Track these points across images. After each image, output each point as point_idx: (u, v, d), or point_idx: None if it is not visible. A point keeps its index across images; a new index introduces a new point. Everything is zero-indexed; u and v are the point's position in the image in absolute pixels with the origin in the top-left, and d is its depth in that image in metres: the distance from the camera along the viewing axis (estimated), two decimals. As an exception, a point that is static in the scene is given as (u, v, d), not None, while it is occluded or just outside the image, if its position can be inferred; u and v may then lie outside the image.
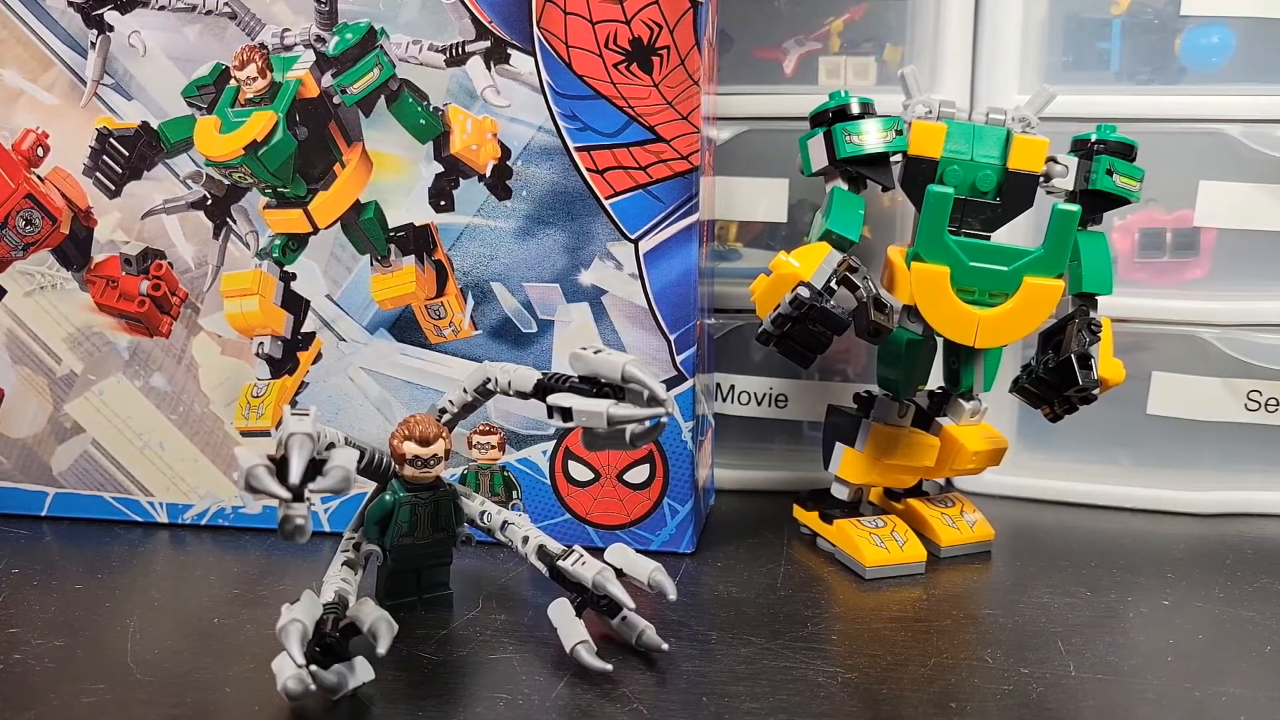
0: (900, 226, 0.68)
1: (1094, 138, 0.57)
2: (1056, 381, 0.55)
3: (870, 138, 0.56)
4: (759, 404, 0.70)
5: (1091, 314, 0.56)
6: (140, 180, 0.60)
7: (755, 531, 0.63)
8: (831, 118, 0.57)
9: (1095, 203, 0.57)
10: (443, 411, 0.52)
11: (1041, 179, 0.57)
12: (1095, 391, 0.54)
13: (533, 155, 0.57)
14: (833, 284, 0.53)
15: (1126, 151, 0.57)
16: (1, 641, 0.49)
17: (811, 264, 0.53)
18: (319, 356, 0.61)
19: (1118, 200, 0.57)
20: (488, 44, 0.57)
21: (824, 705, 0.44)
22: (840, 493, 0.60)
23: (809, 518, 0.61)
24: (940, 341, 0.59)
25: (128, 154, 0.60)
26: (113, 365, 0.62)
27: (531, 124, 0.57)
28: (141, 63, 0.59)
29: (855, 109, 0.57)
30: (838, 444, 0.60)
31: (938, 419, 0.61)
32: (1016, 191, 0.56)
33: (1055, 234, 0.54)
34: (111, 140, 0.60)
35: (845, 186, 0.57)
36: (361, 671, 0.44)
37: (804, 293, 0.52)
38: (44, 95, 0.60)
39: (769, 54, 0.70)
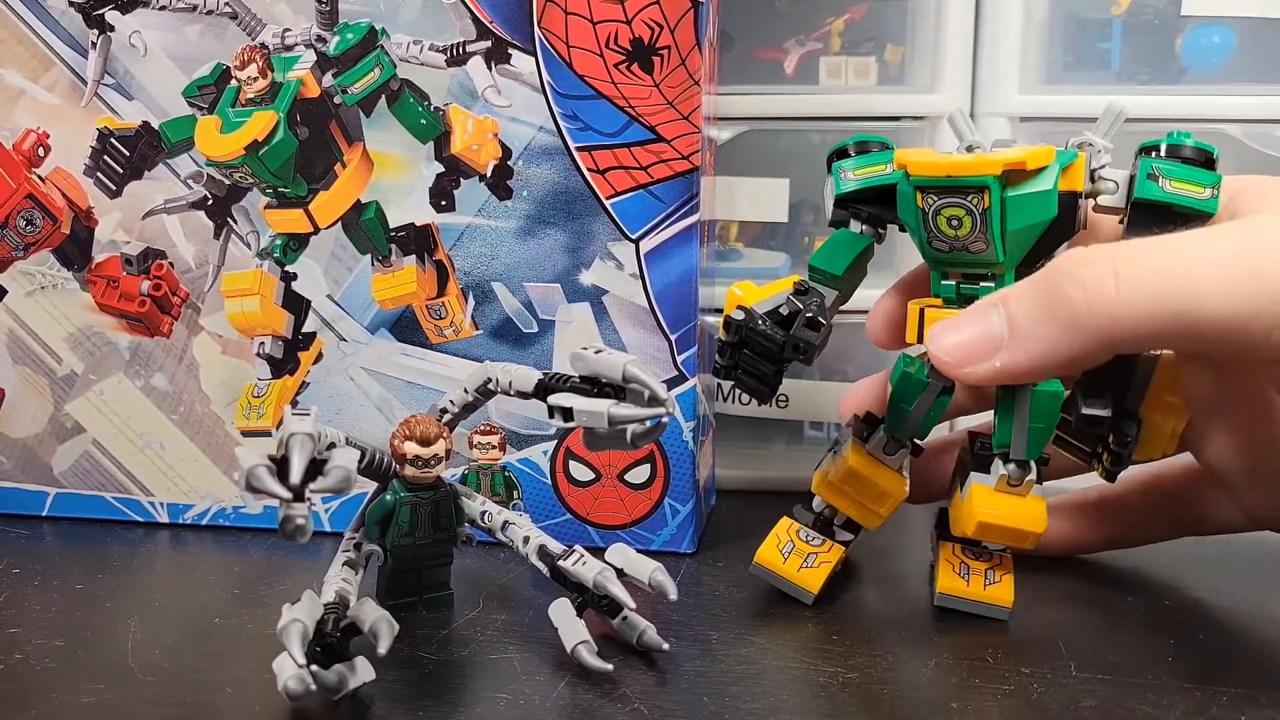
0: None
1: (1162, 145, 0.49)
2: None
3: (864, 172, 0.52)
4: (759, 404, 0.70)
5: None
6: (141, 180, 0.60)
7: (756, 531, 0.62)
8: (835, 157, 0.54)
9: (1154, 218, 0.47)
10: (443, 411, 0.52)
11: (1083, 198, 0.48)
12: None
13: (533, 155, 0.57)
14: (781, 310, 0.51)
15: (1190, 156, 0.48)
16: (1, 641, 0.49)
17: (763, 294, 0.51)
18: (320, 356, 0.61)
19: (1183, 213, 0.47)
20: (488, 44, 0.57)
21: (824, 705, 0.44)
22: (813, 503, 0.55)
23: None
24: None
25: (129, 154, 0.60)
26: (113, 365, 0.62)
27: (532, 124, 0.57)
28: (142, 63, 0.59)
29: (853, 150, 0.53)
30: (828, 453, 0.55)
31: (974, 473, 0.51)
32: (1055, 219, 0.47)
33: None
34: (112, 140, 0.60)
35: (858, 229, 0.53)
36: (362, 671, 0.44)
37: (736, 315, 0.50)
38: (45, 95, 0.60)
39: (770, 54, 0.70)
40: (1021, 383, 0.46)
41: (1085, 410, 0.48)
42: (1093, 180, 0.49)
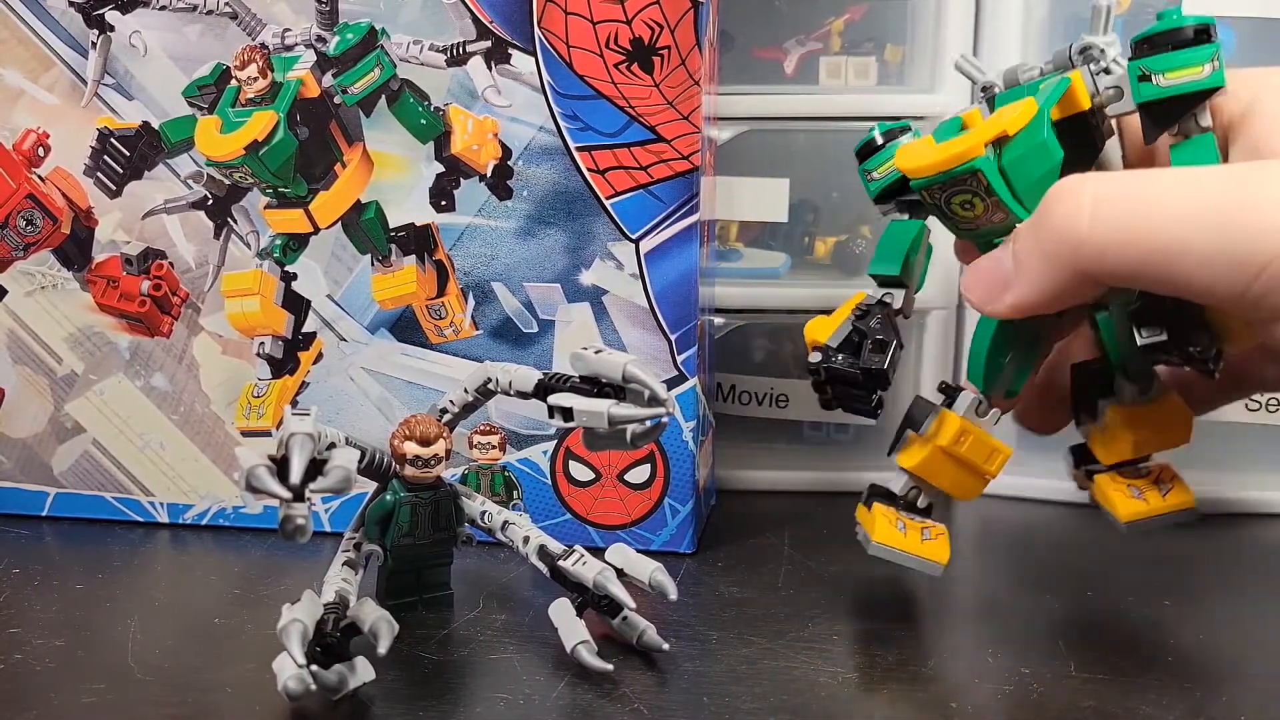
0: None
1: (1154, 34, 0.46)
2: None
3: (884, 169, 0.52)
4: (759, 404, 0.70)
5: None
6: (141, 180, 0.60)
7: (755, 531, 0.63)
8: (863, 152, 0.53)
9: (1169, 111, 0.46)
10: (443, 411, 0.52)
11: (1095, 112, 0.47)
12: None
13: (534, 155, 0.57)
14: (853, 338, 0.49)
15: (1186, 39, 0.45)
16: (1, 641, 0.49)
17: (834, 324, 0.50)
18: (320, 356, 0.61)
19: (1190, 97, 0.45)
20: (488, 44, 0.57)
21: (824, 705, 0.44)
22: (894, 484, 0.53)
23: (864, 517, 0.53)
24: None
25: (129, 154, 0.60)
26: (113, 365, 0.62)
27: (532, 124, 0.57)
28: (142, 63, 0.59)
29: (879, 139, 0.52)
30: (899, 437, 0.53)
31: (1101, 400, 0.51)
32: (1070, 152, 0.46)
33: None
34: (112, 140, 0.60)
35: (904, 216, 0.52)
36: (362, 671, 0.44)
37: (813, 359, 0.49)
38: (44, 95, 0.60)
39: (770, 54, 0.70)
40: (1042, 314, 0.46)
41: (1141, 341, 0.47)
42: (1097, 89, 0.47)
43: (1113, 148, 0.50)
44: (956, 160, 0.45)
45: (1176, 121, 0.46)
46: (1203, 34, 0.45)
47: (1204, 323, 0.46)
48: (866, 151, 0.53)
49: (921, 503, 0.52)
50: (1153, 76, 0.45)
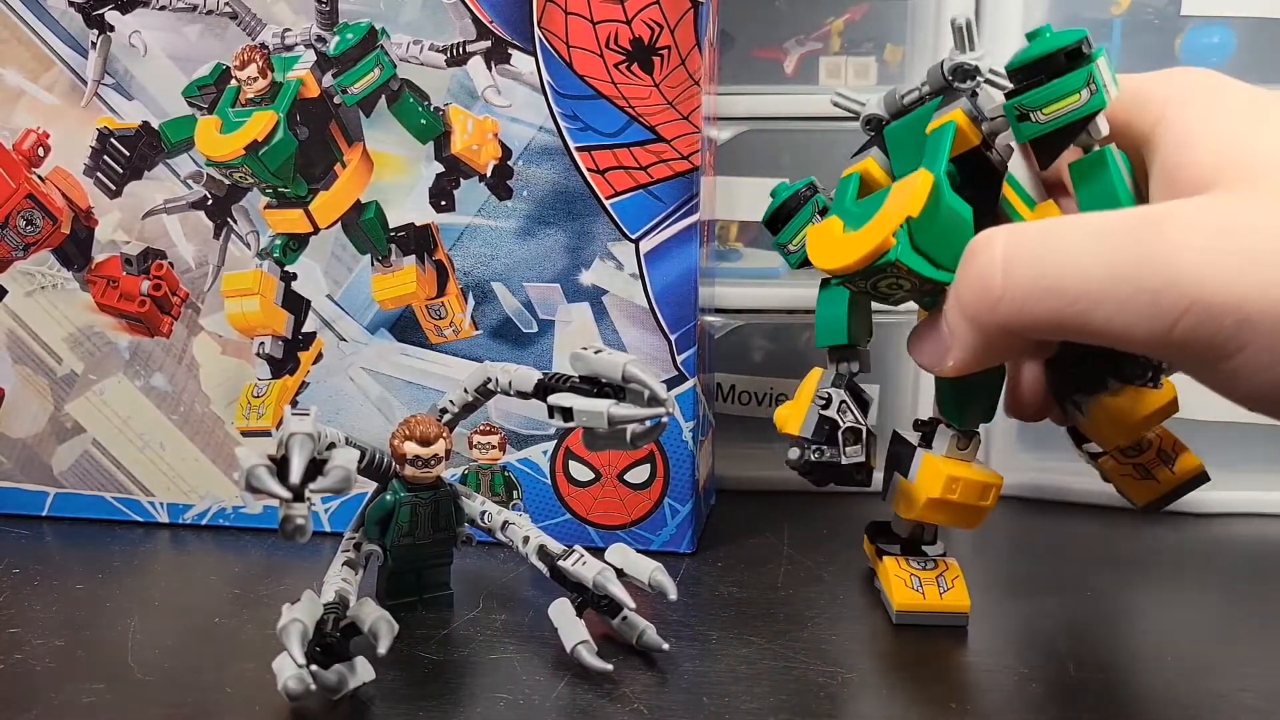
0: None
1: (1020, 63, 0.44)
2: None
3: (799, 241, 0.52)
4: (759, 404, 0.70)
5: None
6: (141, 180, 0.60)
7: (755, 531, 0.63)
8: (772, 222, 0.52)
9: (1057, 140, 0.44)
10: (443, 411, 0.52)
11: (986, 146, 0.46)
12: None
13: (533, 155, 0.57)
14: (825, 427, 0.49)
15: (1045, 67, 0.43)
16: (1, 641, 0.49)
17: (799, 412, 0.50)
18: (319, 356, 0.61)
19: (1074, 124, 0.43)
20: (488, 44, 0.57)
21: (824, 705, 0.44)
22: (898, 525, 0.54)
23: (879, 571, 0.54)
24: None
25: (128, 154, 0.60)
26: (113, 365, 0.62)
27: (532, 124, 0.57)
28: (142, 63, 0.59)
29: (783, 210, 0.52)
30: (888, 484, 0.53)
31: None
32: (975, 182, 0.45)
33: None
34: (112, 140, 0.60)
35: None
36: (362, 671, 0.44)
37: (792, 455, 0.49)
38: (44, 95, 0.60)
39: (769, 54, 0.70)
40: (984, 369, 0.45)
41: (1073, 398, 0.48)
42: (989, 118, 0.45)
43: (1019, 166, 0.47)
44: (870, 258, 0.43)
45: (1066, 147, 0.44)
46: (1074, 56, 0.43)
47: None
48: (774, 223, 0.52)
49: (927, 535, 0.53)
50: (1030, 114, 0.43)
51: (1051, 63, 0.43)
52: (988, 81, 0.46)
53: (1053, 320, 0.39)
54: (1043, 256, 0.40)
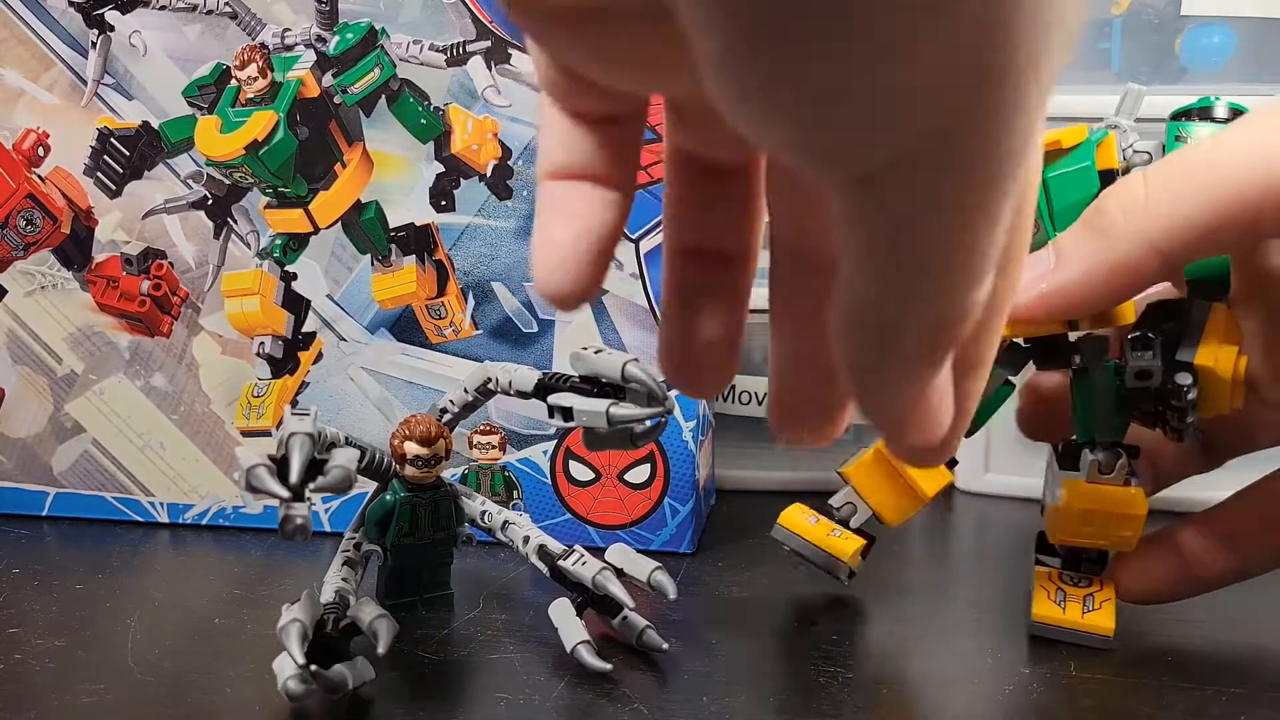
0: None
1: (1194, 109, 0.48)
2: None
3: None
4: (759, 404, 0.70)
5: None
6: (141, 180, 0.60)
7: (755, 531, 0.62)
8: None
9: None
10: (443, 411, 0.52)
11: (1121, 174, 0.47)
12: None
13: (533, 155, 0.57)
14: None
15: (1223, 117, 0.48)
16: (1, 641, 0.49)
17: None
18: (319, 356, 0.61)
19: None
20: (488, 44, 0.57)
21: (824, 705, 0.44)
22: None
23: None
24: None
25: (128, 154, 0.60)
26: (113, 365, 0.62)
27: (532, 124, 0.57)
28: (142, 63, 0.59)
29: None
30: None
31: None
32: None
33: None
34: (112, 140, 0.60)
35: None
36: (362, 671, 0.44)
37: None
38: (44, 95, 0.60)
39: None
40: (1076, 314, 0.45)
41: (1133, 363, 0.45)
42: (1125, 159, 0.48)
43: None
44: None
45: None
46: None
47: (1192, 370, 0.45)
48: None
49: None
50: (1187, 141, 0.47)
51: (1229, 115, 0.48)
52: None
53: (1194, 211, 0.41)
54: (1178, 160, 0.42)
